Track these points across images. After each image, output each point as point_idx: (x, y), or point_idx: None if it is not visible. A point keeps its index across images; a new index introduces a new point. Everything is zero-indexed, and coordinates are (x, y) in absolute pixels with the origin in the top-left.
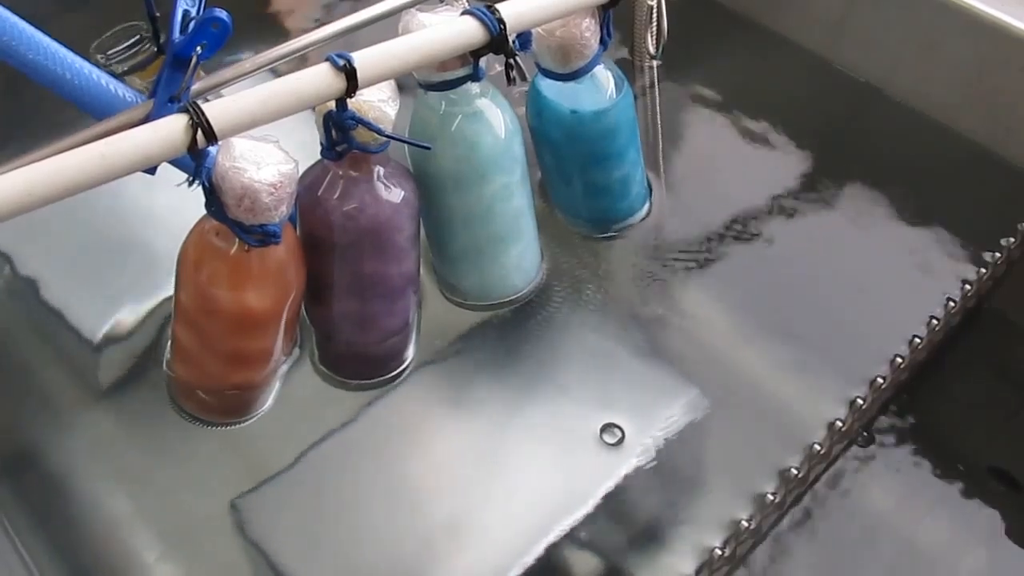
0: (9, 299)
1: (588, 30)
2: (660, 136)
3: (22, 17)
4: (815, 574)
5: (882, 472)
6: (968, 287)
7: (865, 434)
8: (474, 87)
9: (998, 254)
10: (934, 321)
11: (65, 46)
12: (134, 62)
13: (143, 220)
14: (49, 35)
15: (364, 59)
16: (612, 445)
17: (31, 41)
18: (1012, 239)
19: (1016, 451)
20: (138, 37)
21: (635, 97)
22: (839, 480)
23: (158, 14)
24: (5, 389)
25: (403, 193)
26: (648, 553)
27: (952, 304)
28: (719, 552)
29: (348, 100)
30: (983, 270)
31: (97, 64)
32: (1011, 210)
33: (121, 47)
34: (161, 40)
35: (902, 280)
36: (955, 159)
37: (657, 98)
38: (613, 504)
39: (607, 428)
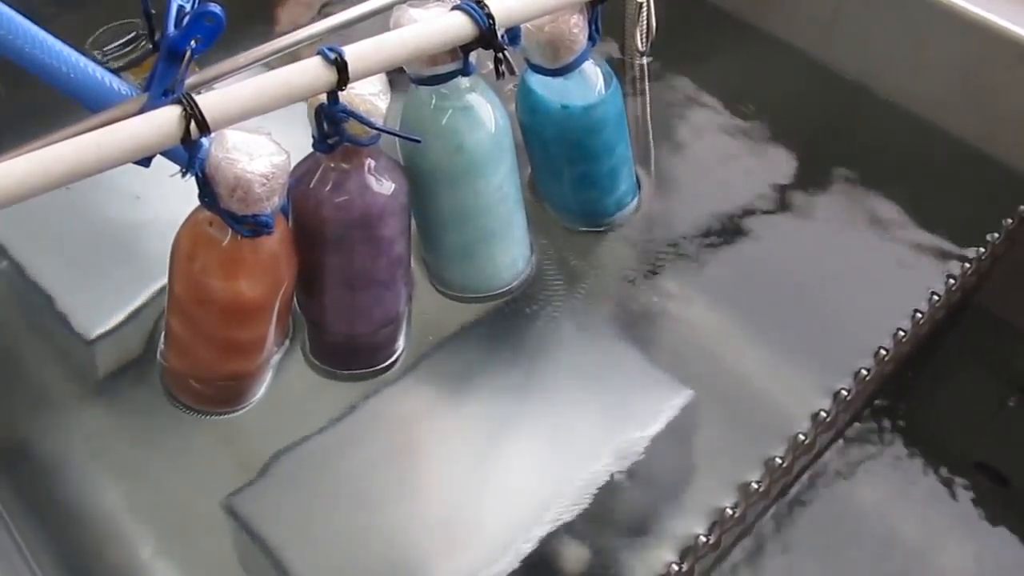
0: (4, 290)
1: (577, 26)
2: (650, 132)
3: (19, 12)
4: (801, 565)
5: (869, 466)
6: (952, 281)
7: (852, 428)
8: (464, 82)
9: (983, 249)
10: (918, 315)
11: (61, 40)
12: (130, 58)
13: (138, 213)
14: (46, 30)
15: (355, 53)
16: (600, 436)
17: (27, 35)
18: (997, 235)
19: (1002, 446)
20: (134, 34)
21: (625, 93)
22: (826, 473)
23: (154, 11)
24: (0, 379)
25: (394, 186)
26: (634, 540)
27: (936, 298)
28: (704, 539)
29: (339, 93)
30: (967, 265)
31: (93, 59)
32: (997, 206)
33: (117, 44)
34: (156, 37)
35: (888, 274)
36: (942, 156)
37: (647, 95)
38: (601, 492)
39: (595, 418)
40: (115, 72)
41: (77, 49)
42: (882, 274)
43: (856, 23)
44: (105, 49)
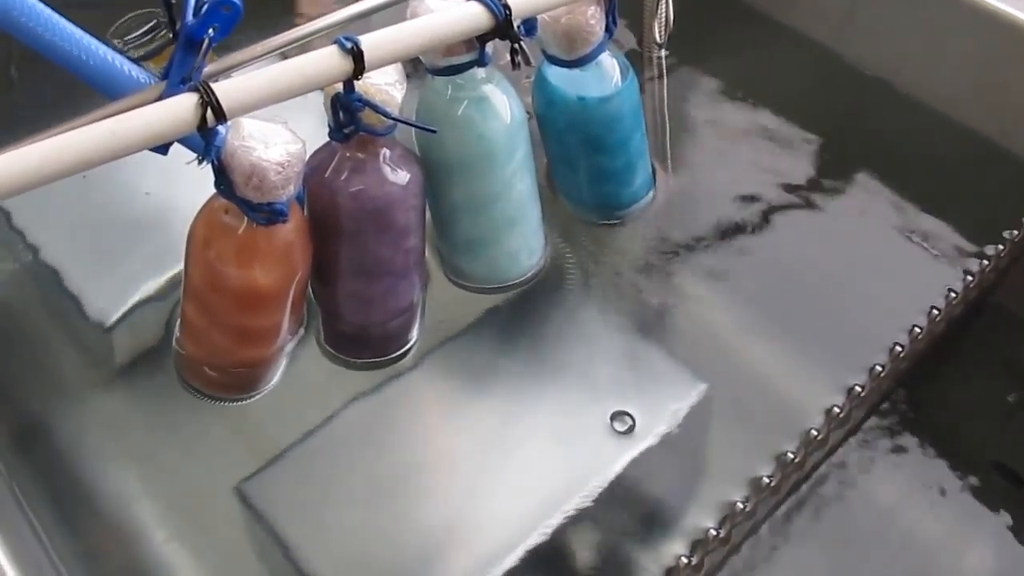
0: (23, 277)
1: (593, 17)
2: (667, 125)
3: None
4: (813, 562)
5: (883, 464)
6: (970, 278)
7: (866, 425)
8: (480, 72)
9: (1001, 247)
10: (935, 312)
11: (82, 28)
12: (150, 48)
13: (157, 201)
14: (66, 18)
15: (371, 42)
16: (612, 429)
17: (48, 22)
18: (1016, 232)
19: (1019, 447)
20: (154, 23)
21: (642, 86)
22: (840, 471)
23: (174, 1)
24: (19, 365)
25: (409, 176)
26: (644, 533)
27: (953, 295)
28: (713, 533)
29: (355, 82)
30: (985, 262)
31: (113, 47)
32: (1016, 203)
33: (137, 33)
34: (177, 26)
35: (904, 271)
36: (961, 152)
37: (664, 87)
38: (612, 486)
39: (608, 412)
40: (135, 61)
41: (97, 37)
42: (898, 270)
43: (874, 16)
44: (125, 38)
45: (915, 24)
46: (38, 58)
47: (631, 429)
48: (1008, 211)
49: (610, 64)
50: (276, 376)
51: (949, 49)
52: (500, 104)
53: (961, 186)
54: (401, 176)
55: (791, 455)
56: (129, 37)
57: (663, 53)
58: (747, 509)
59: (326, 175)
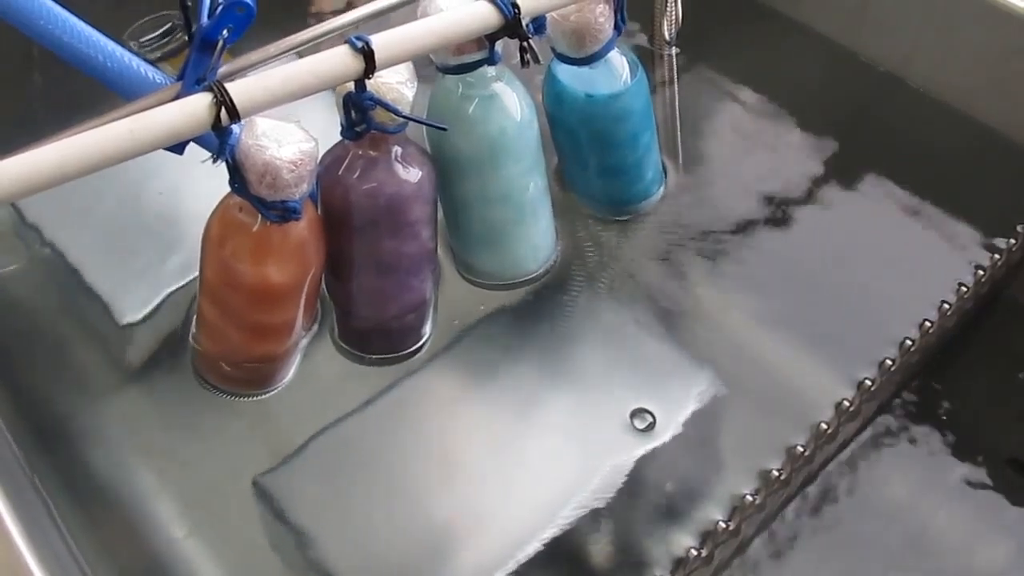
0: (43, 276)
1: (603, 15)
2: (677, 121)
3: (58, 3)
4: (824, 557)
5: (896, 460)
6: (981, 272)
7: (879, 420)
8: (490, 70)
9: (1013, 240)
10: (945, 305)
11: (100, 31)
12: (166, 49)
13: (173, 199)
14: (84, 21)
15: (381, 41)
16: (624, 421)
17: (66, 25)
18: None
19: None
20: (170, 25)
21: (652, 83)
22: (852, 466)
23: (190, 3)
24: (39, 363)
25: (420, 173)
26: (655, 524)
27: (964, 289)
28: (723, 525)
29: (366, 81)
30: (996, 256)
31: (130, 50)
32: None
33: (154, 35)
34: (193, 28)
35: (915, 264)
36: (973, 146)
37: (675, 84)
38: (624, 481)
39: (627, 409)
40: (152, 63)
41: (114, 40)
42: (909, 264)
43: (886, 11)
44: (142, 40)
45: (926, 18)
46: (59, 61)
47: (643, 423)
48: (1019, 205)
49: (619, 62)
50: (291, 372)
51: (960, 43)
52: (510, 102)
53: (972, 180)
54: (413, 173)
55: (801, 448)
56: (145, 39)
57: (674, 50)
58: (757, 502)
59: (339, 173)
